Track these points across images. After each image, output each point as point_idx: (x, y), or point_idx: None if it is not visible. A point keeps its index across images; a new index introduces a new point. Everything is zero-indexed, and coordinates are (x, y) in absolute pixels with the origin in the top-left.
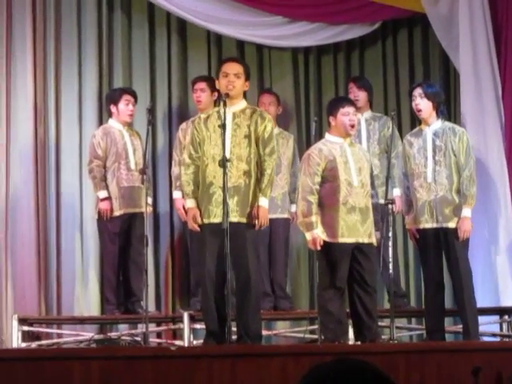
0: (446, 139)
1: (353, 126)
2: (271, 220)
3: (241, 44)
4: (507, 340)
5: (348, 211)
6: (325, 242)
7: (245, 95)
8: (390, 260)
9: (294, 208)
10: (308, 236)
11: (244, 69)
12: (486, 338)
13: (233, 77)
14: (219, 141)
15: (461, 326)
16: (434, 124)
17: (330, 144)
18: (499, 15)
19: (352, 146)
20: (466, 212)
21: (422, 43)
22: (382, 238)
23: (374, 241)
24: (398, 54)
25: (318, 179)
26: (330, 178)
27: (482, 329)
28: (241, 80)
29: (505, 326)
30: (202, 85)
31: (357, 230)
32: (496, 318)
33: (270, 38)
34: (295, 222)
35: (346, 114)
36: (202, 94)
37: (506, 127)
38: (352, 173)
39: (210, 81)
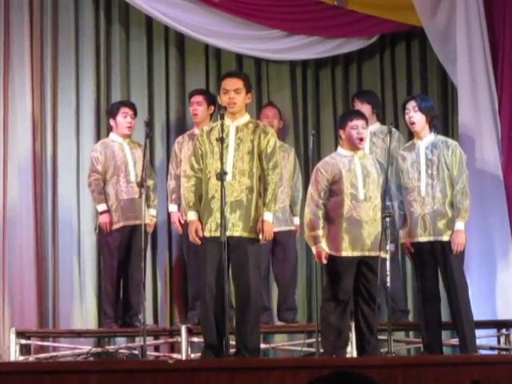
0: (439, 153)
1: (361, 140)
2: (275, 233)
3: (239, 57)
4: (505, 353)
5: (352, 225)
6: (329, 255)
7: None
8: (388, 274)
9: (296, 220)
10: (314, 250)
11: (244, 82)
12: (483, 352)
13: (233, 93)
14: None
15: (458, 339)
16: (427, 138)
17: (340, 157)
18: (496, 29)
19: (363, 159)
20: (459, 225)
21: (420, 57)
22: (396, 250)
23: (380, 253)
24: (395, 68)
25: (324, 193)
26: (335, 192)
27: (479, 342)
28: (241, 95)
29: (502, 340)
30: (199, 98)
31: (362, 243)
32: (494, 331)
33: (267, 52)
34: (299, 235)
35: (354, 128)
36: (198, 108)
37: (503, 141)
38: (359, 186)
39: (207, 94)
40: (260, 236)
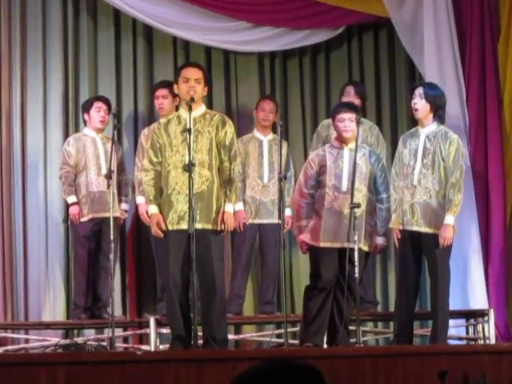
0: (437, 143)
1: (347, 132)
2: (262, 225)
3: (208, 48)
4: (473, 343)
5: (332, 216)
6: (311, 245)
7: (211, 100)
8: (356, 264)
9: (288, 212)
10: (298, 239)
11: (203, 74)
12: (452, 342)
13: (194, 82)
14: (180, 147)
15: (428, 329)
16: (430, 126)
17: (330, 149)
18: (463, 20)
19: (353, 151)
20: (449, 219)
21: (388, 46)
22: (385, 244)
23: (363, 246)
24: (363, 58)
25: (311, 184)
26: (322, 184)
27: (448, 332)
28: (201, 85)
29: (471, 330)
30: (164, 91)
31: (342, 235)
32: (462, 321)
33: (234, 44)
34: (290, 226)
35: (340, 120)
36: (164, 101)
37: (471, 131)
38: (343, 178)
39: (172, 87)
40: (221, 227)
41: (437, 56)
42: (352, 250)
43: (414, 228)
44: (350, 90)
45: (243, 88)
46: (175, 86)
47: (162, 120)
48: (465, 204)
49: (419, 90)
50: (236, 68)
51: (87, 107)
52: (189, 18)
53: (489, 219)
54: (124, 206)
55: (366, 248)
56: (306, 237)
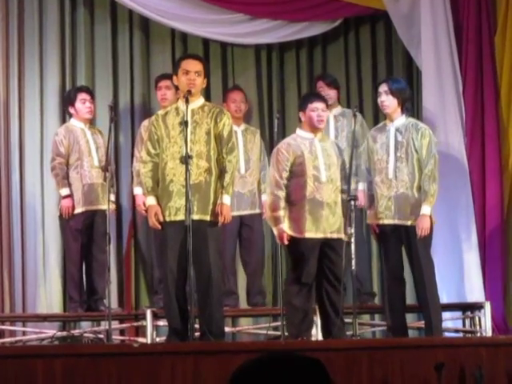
0: (409, 136)
1: (321, 122)
2: (243, 216)
3: (206, 40)
4: (470, 336)
5: (315, 206)
6: (292, 237)
7: (208, 91)
8: (353, 256)
9: (264, 198)
10: (275, 231)
11: (203, 66)
12: (448, 334)
13: (193, 74)
14: (178, 138)
15: (423, 322)
16: (398, 120)
17: (300, 139)
18: (460, 12)
19: (323, 142)
20: (426, 210)
21: (385, 39)
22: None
23: (343, 236)
24: (360, 50)
25: (286, 174)
26: (297, 174)
27: (444, 325)
28: (201, 77)
29: (468, 322)
30: (168, 82)
31: (325, 225)
32: (459, 313)
33: (231, 36)
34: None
35: (314, 110)
36: (167, 92)
37: (467, 123)
38: (320, 168)
39: None
40: (219, 219)
41: (433, 48)
42: (338, 240)
43: (393, 221)
44: (322, 84)
45: (240, 81)
46: (174, 78)
47: (160, 112)
48: (461, 197)
49: (383, 87)
50: (233, 60)
51: (71, 100)
52: (187, 10)
53: (485, 212)
54: (112, 197)
55: (345, 238)
56: (286, 228)
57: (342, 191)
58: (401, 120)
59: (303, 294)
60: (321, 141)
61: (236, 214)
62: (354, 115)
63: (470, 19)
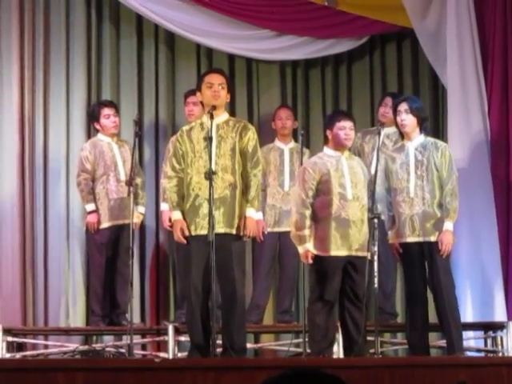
0: (429, 154)
1: (349, 140)
2: (282, 233)
3: (231, 56)
4: (492, 355)
5: (341, 224)
6: (316, 255)
7: (233, 108)
8: (376, 274)
9: None
10: (300, 249)
11: (226, 80)
12: (470, 354)
13: (217, 87)
14: (203, 153)
15: (445, 340)
16: (417, 139)
17: (327, 157)
18: (486, 32)
19: (350, 160)
20: (448, 225)
21: (411, 57)
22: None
23: (367, 255)
24: (386, 68)
25: (311, 193)
26: (323, 192)
27: (466, 344)
28: (224, 90)
29: (490, 342)
30: (195, 98)
31: (349, 243)
32: (481, 333)
33: (257, 52)
34: None
35: (341, 128)
36: (194, 108)
37: (492, 143)
38: (347, 186)
39: None
40: (243, 233)
41: (459, 67)
42: (362, 258)
43: (416, 239)
44: (388, 101)
45: (265, 97)
46: (198, 94)
47: (185, 127)
48: (485, 215)
49: (404, 106)
50: (258, 77)
51: (95, 116)
52: (213, 26)
53: (509, 231)
54: (141, 208)
55: (369, 256)
56: (311, 247)
57: (369, 210)
58: (419, 139)
59: (325, 312)
60: (347, 159)
61: (275, 230)
62: (379, 133)
63: (496, 38)
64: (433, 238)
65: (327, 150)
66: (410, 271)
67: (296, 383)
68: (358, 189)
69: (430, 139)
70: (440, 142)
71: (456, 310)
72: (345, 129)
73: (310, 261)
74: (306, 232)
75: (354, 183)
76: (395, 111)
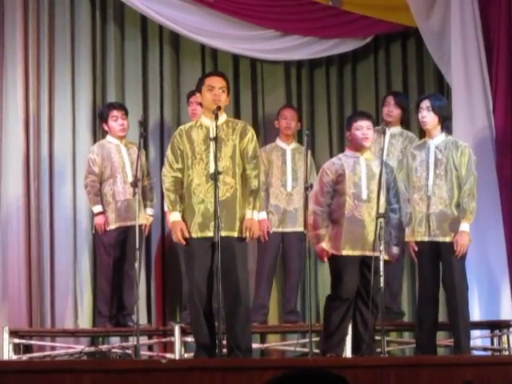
0: (448, 153)
1: (366, 139)
2: (286, 233)
3: (236, 56)
4: (498, 354)
5: (353, 224)
6: (332, 254)
7: (238, 109)
8: (382, 274)
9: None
10: (316, 249)
11: (227, 84)
12: (477, 352)
13: (218, 90)
14: (204, 155)
15: (452, 339)
16: (438, 137)
17: (346, 158)
18: (491, 30)
19: (370, 160)
20: (464, 226)
21: (416, 56)
22: (399, 254)
23: (382, 255)
24: (390, 68)
25: (328, 193)
26: (339, 192)
27: (473, 343)
28: (225, 94)
29: (496, 340)
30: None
31: (363, 243)
32: (487, 332)
33: (262, 52)
34: None
35: (358, 128)
36: (197, 107)
37: (497, 141)
38: (362, 186)
39: None
40: (245, 234)
41: (464, 66)
42: (376, 258)
43: (431, 239)
44: (390, 99)
45: (270, 98)
46: (198, 95)
47: (184, 126)
48: (490, 213)
49: (426, 103)
50: (263, 77)
51: (104, 117)
52: (217, 26)
53: None
54: (149, 210)
55: (386, 257)
56: (326, 245)
57: (391, 210)
58: (440, 137)
59: (341, 310)
60: (367, 159)
61: (279, 230)
62: (384, 132)
63: (501, 37)
64: (448, 239)
65: (347, 151)
66: (424, 270)
67: (300, 383)
68: (374, 189)
69: (451, 138)
70: (460, 142)
71: (466, 310)
72: (362, 128)
73: (325, 259)
74: (322, 231)
75: (371, 184)
76: (418, 107)
